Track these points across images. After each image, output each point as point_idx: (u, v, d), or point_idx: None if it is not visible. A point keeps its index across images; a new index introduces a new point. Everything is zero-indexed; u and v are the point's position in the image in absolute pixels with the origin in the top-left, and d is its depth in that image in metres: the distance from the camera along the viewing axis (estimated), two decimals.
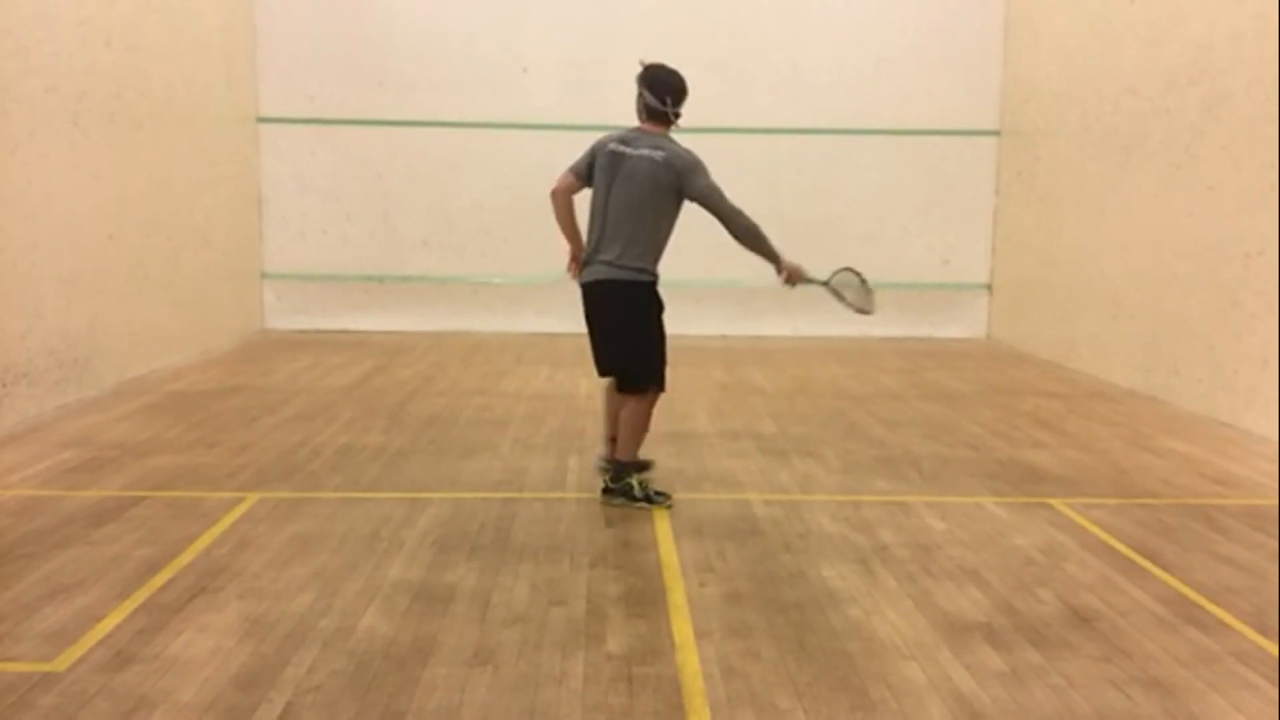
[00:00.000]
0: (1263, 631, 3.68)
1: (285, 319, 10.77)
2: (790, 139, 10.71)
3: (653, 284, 5.11)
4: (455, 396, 7.56)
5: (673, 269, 10.86)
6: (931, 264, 10.99)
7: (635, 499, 4.98)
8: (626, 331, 5.07)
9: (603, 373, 5.19)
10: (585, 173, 5.17)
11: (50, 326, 6.75)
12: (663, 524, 4.76)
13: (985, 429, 6.79)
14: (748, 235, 5.08)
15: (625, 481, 5.01)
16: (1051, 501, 5.20)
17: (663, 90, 5.03)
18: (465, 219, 10.81)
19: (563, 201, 5.20)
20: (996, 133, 10.79)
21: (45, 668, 3.26)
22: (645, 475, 5.12)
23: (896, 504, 5.13)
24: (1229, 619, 3.79)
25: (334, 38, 10.57)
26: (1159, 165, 7.87)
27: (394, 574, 4.09)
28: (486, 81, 10.62)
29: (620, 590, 3.97)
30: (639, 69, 5.10)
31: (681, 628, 3.63)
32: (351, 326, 10.74)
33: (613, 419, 5.18)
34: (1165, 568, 4.30)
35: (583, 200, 5.23)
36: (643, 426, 5.09)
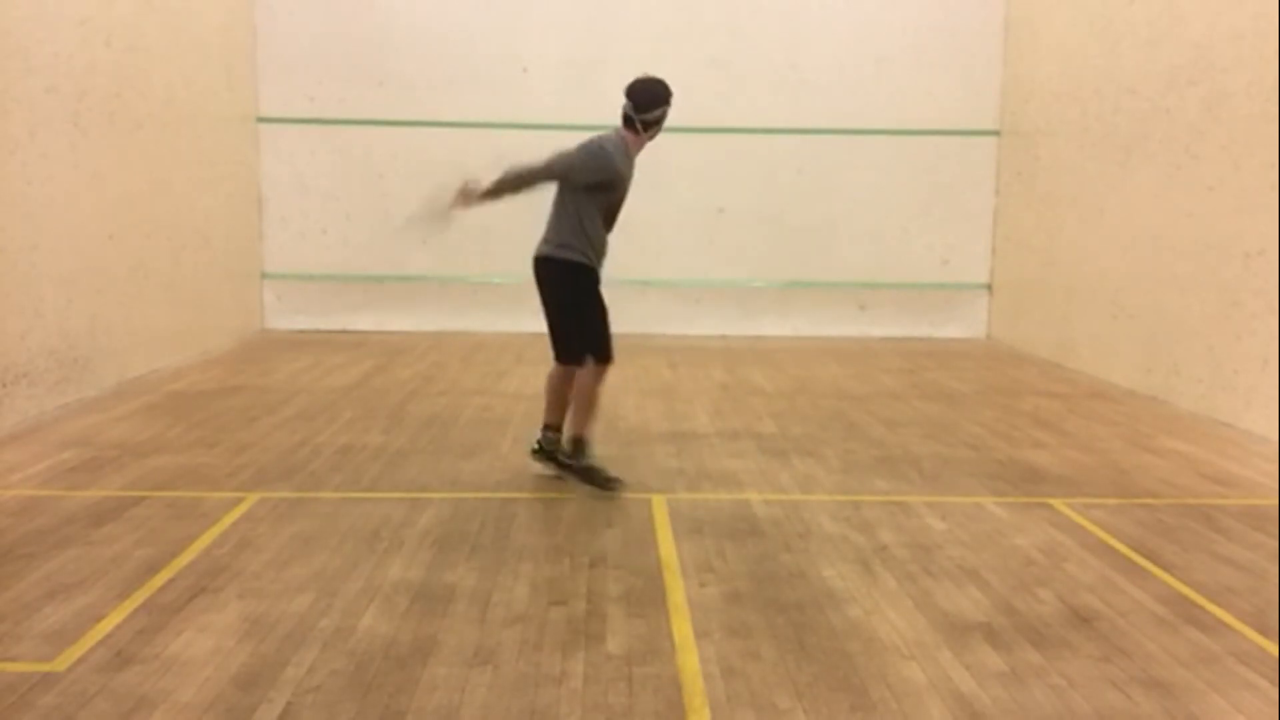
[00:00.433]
0: (1263, 631, 3.68)
1: (285, 319, 10.77)
2: (790, 139, 10.71)
3: (581, 264, 5.25)
4: (455, 396, 7.56)
5: (673, 269, 10.96)
6: (931, 264, 10.99)
7: (590, 481, 5.21)
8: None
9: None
10: None
11: (50, 326, 6.75)
12: (663, 524, 4.76)
13: (985, 429, 6.79)
14: (512, 171, 5.33)
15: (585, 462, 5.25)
16: (1051, 501, 5.20)
17: (629, 95, 5.23)
18: (465, 219, 10.73)
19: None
20: (996, 133, 10.80)
21: (45, 668, 3.26)
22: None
23: (896, 504, 5.13)
24: (1229, 619, 3.79)
25: (334, 38, 10.57)
26: (1159, 165, 7.87)
27: (394, 574, 4.09)
28: (486, 81, 10.62)
29: (620, 590, 3.97)
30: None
31: (681, 628, 3.63)
32: (351, 326, 10.74)
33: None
34: (1165, 568, 4.30)
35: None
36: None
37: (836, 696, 3.17)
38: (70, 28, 6.99)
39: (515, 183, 5.25)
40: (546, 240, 5.33)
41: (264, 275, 10.72)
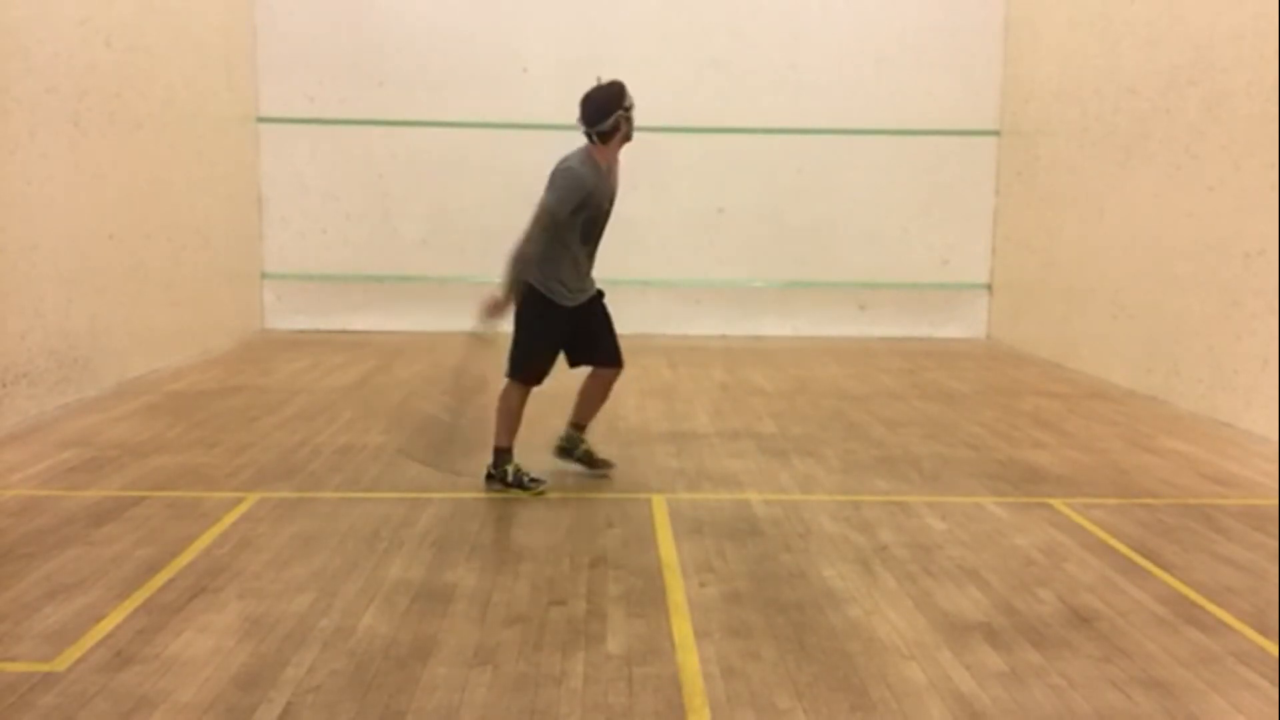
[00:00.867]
0: (1263, 631, 3.68)
1: (285, 319, 10.77)
2: (790, 139, 10.70)
3: (533, 287, 5.18)
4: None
5: (673, 269, 10.95)
6: (931, 264, 10.99)
7: (513, 485, 5.22)
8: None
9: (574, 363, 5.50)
10: None
11: (50, 326, 6.75)
12: (663, 524, 4.76)
13: (985, 429, 6.79)
14: (518, 256, 5.13)
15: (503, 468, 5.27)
16: (1051, 501, 5.20)
17: (580, 113, 5.19)
18: (465, 219, 10.80)
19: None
20: (996, 133, 10.79)
21: (45, 668, 3.26)
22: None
23: (896, 504, 5.13)
24: (1229, 619, 3.79)
25: (334, 38, 10.57)
26: (1159, 165, 7.87)
27: (394, 574, 4.09)
28: (486, 81, 10.62)
29: (620, 590, 3.97)
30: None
31: (681, 628, 3.63)
32: (351, 326, 10.73)
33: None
34: (1165, 568, 4.30)
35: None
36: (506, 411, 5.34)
37: (836, 696, 3.17)
38: (70, 28, 6.99)
39: (523, 262, 5.09)
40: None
41: (264, 275, 10.72)
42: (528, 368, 5.25)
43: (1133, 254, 8.22)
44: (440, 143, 10.69)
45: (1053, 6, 9.71)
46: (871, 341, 10.57)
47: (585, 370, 5.49)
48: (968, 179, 10.89)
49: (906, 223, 10.90)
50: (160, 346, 8.31)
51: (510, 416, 5.28)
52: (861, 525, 4.79)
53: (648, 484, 5.42)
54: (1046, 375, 8.85)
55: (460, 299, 10.89)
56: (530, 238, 5.04)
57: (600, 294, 5.38)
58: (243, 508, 4.87)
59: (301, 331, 10.60)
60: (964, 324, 11.06)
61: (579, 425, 5.55)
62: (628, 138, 5.23)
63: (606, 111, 5.11)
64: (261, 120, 10.53)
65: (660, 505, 5.04)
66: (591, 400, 5.52)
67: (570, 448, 5.55)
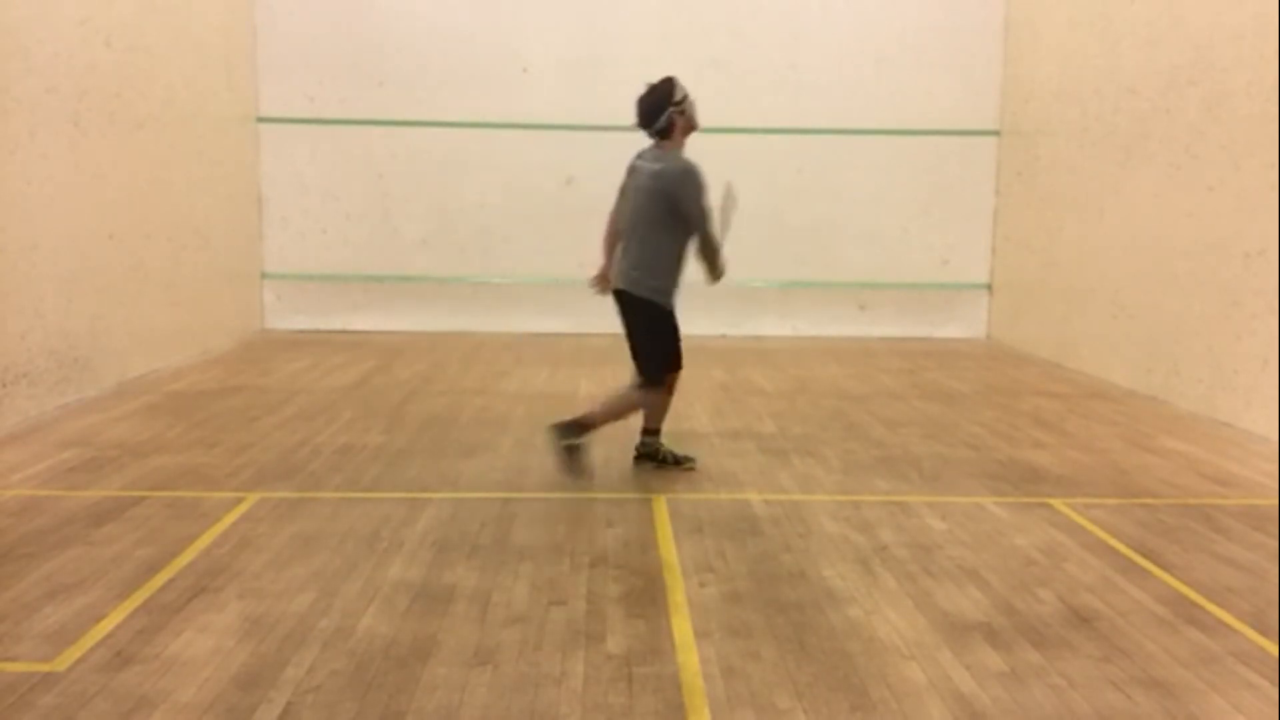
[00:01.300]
0: (1263, 631, 3.68)
1: (285, 319, 10.77)
2: (790, 139, 10.70)
3: (664, 303, 5.42)
4: (455, 396, 7.56)
5: None
6: (931, 264, 10.99)
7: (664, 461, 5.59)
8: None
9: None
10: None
11: (50, 326, 6.75)
12: (663, 524, 4.76)
13: (985, 429, 6.79)
14: (716, 246, 5.42)
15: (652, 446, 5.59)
16: (1051, 501, 5.20)
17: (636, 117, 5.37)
18: (465, 219, 10.81)
19: (609, 220, 5.67)
20: (996, 133, 10.80)
21: (45, 668, 3.26)
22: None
23: (896, 504, 5.13)
24: (1229, 619, 3.79)
25: (334, 38, 10.57)
26: (1159, 165, 7.87)
27: (394, 574, 4.09)
28: (486, 81, 10.62)
29: (620, 590, 3.97)
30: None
31: (681, 628, 3.63)
32: (351, 326, 10.74)
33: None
34: (1165, 568, 4.30)
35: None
36: (634, 408, 5.53)
37: (836, 696, 3.17)
38: (70, 28, 6.99)
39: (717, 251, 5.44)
40: (624, 273, 5.51)
41: (264, 275, 10.72)
42: (663, 367, 5.45)
43: (1133, 254, 8.22)
44: (440, 143, 10.69)
45: (1053, 6, 9.71)
46: (871, 341, 10.57)
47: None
48: (968, 179, 10.90)
49: (906, 223, 10.90)
50: (160, 346, 8.31)
51: (660, 403, 5.53)
52: (861, 525, 4.79)
53: (648, 484, 5.42)
54: (1046, 375, 8.85)
55: (460, 299, 10.98)
56: (714, 234, 5.33)
57: None
58: (243, 508, 4.87)
59: (301, 331, 10.60)
60: (964, 324, 11.06)
61: (653, 430, 5.70)
62: (692, 127, 5.42)
63: (656, 111, 5.30)
64: (261, 120, 10.54)
65: (660, 505, 5.04)
66: (662, 403, 5.67)
67: (650, 453, 5.69)
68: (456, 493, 5.20)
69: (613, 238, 5.56)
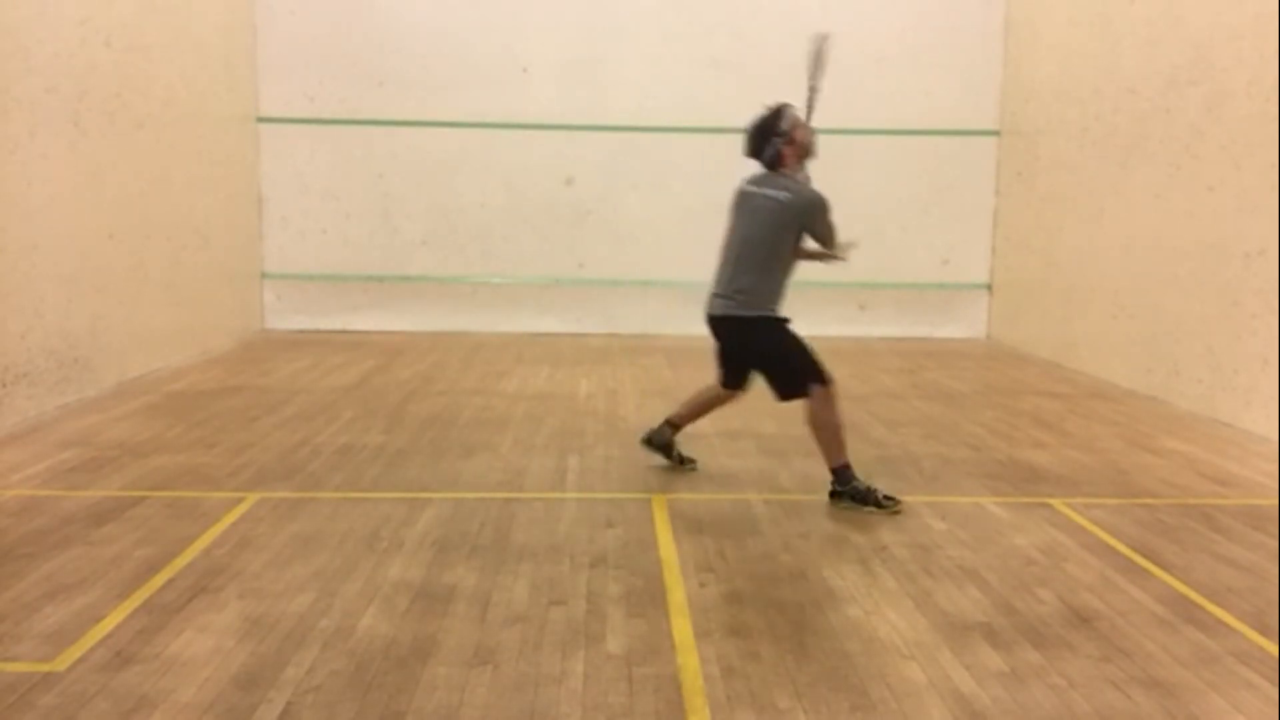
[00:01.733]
0: (1263, 631, 3.68)
1: (285, 319, 10.78)
2: None
3: (772, 316, 5.37)
4: (455, 396, 7.56)
5: (672, 269, 10.95)
6: (931, 264, 10.99)
7: (864, 502, 4.98)
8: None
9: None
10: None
11: (50, 326, 6.75)
12: (663, 524, 4.76)
13: (985, 429, 6.79)
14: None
15: (852, 485, 5.04)
16: (1051, 501, 5.20)
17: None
18: (465, 219, 10.82)
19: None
20: (996, 133, 10.80)
21: (45, 668, 3.26)
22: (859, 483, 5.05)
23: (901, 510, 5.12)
24: (1229, 619, 3.79)
25: (334, 38, 10.58)
26: (1159, 165, 7.87)
27: (394, 574, 4.09)
28: (486, 81, 10.62)
29: (620, 590, 3.97)
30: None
31: (681, 628, 3.63)
32: (351, 326, 10.74)
33: (694, 408, 5.61)
34: (1165, 568, 4.30)
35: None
36: (831, 428, 5.10)
37: (836, 696, 3.17)
38: (70, 28, 6.99)
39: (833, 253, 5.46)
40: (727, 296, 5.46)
41: (264, 275, 10.72)
42: (815, 368, 5.19)
43: (1133, 254, 8.22)
44: (440, 143, 10.70)
45: (1053, 6, 9.71)
46: (871, 341, 10.57)
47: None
48: (968, 179, 10.90)
49: (906, 223, 10.90)
50: (160, 346, 8.31)
51: (834, 430, 5.08)
52: (861, 525, 4.79)
53: (648, 484, 5.42)
54: (1046, 375, 8.85)
55: (460, 299, 10.98)
56: (836, 247, 5.40)
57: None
58: (243, 508, 4.87)
59: (301, 331, 10.60)
60: (964, 324, 11.06)
61: (676, 425, 5.66)
62: (805, 154, 5.31)
63: (761, 142, 5.29)
64: (261, 120, 10.54)
65: (660, 505, 5.04)
66: (702, 409, 5.62)
67: (661, 443, 5.65)
68: (456, 493, 5.20)
69: None
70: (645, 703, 3.11)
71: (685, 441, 6.14)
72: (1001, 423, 6.98)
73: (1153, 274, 7.92)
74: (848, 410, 7.26)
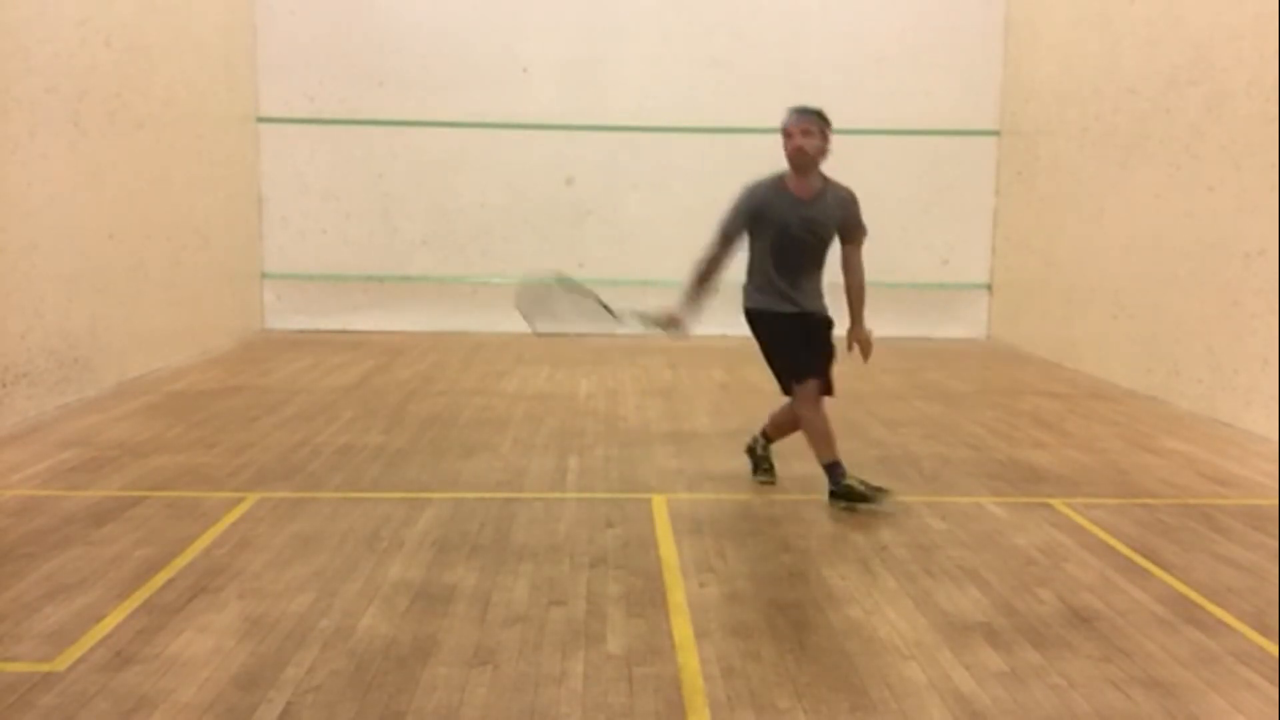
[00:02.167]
0: (1263, 631, 3.68)
1: (285, 319, 10.78)
2: None
3: (748, 308, 5.49)
4: (455, 396, 7.56)
5: (672, 269, 10.94)
6: (931, 264, 10.99)
7: (860, 499, 4.98)
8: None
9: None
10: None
11: (50, 326, 6.75)
12: (663, 524, 4.76)
13: (985, 429, 6.79)
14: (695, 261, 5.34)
15: (843, 484, 5.01)
16: (1051, 501, 5.20)
17: None
18: (465, 219, 10.82)
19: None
20: (996, 133, 10.80)
21: (45, 668, 3.26)
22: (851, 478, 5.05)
23: (896, 504, 5.12)
24: (1229, 619, 3.79)
25: (334, 38, 10.58)
26: (1159, 165, 7.87)
27: (394, 574, 4.09)
28: (486, 81, 10.62)
29: (620, 590, 3.97)
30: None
31: (681, 628, 3.63)
32: (351, 326, 10.74)
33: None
34: (1165, 568, 4.30)
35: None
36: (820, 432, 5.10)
37: (836, 696, 3.17)
38: (70, 28, 6.99)
39: (694, 265, 5.41)
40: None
41: (264, 275, 10.72)
42: (791, 372, 5.20)
43: (1133, 254, 8.22)
44: (440, 143, 10.70)
45: (1053, 6, 9.71)
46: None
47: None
48: (968, 179, 10.90)
49: (906, 223, 10.90)
50: (160, 346, 8.31)
51: (821, 430, 5.07)
52: (861, 525, 4.79)
53: (648, 484, 5.42)
54: (1046, 375, 8.84)
55: (460, 299, 10.98)
56: (712, 247, 5.33)
57: (825, 322, 5.37)
58: (242, 508, 4.87)
59: (301, 331, 10.60)
60: (964, 324, 11.06)
61: (769, 437, 5.60)
62: (790, 158, 5.18)
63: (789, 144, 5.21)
64: (261, 120, 10.54)
65: (660, 505, 5.04)
66: (786, 426, 5.48)
67: (756, 451, 5.59)
68: (456, 493, 5.20)
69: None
70: (645, 703, 3.11)
71: (686, 441, 6.14)
72: (1001, 423, 6.98)
73: (1153, 274, 7.92)
74: (848, 410, 7.28)
